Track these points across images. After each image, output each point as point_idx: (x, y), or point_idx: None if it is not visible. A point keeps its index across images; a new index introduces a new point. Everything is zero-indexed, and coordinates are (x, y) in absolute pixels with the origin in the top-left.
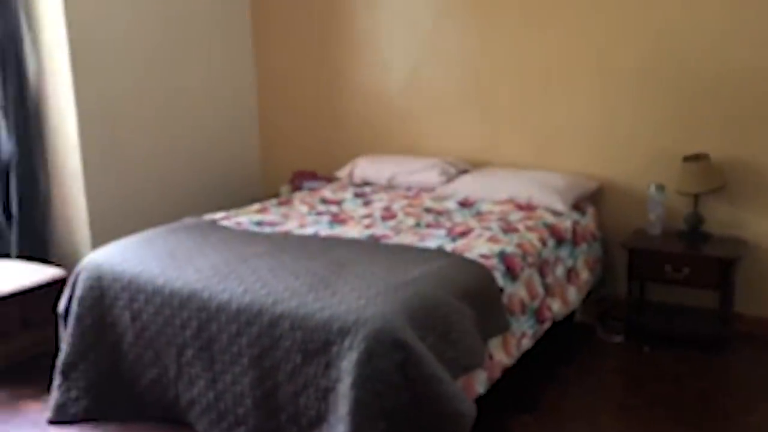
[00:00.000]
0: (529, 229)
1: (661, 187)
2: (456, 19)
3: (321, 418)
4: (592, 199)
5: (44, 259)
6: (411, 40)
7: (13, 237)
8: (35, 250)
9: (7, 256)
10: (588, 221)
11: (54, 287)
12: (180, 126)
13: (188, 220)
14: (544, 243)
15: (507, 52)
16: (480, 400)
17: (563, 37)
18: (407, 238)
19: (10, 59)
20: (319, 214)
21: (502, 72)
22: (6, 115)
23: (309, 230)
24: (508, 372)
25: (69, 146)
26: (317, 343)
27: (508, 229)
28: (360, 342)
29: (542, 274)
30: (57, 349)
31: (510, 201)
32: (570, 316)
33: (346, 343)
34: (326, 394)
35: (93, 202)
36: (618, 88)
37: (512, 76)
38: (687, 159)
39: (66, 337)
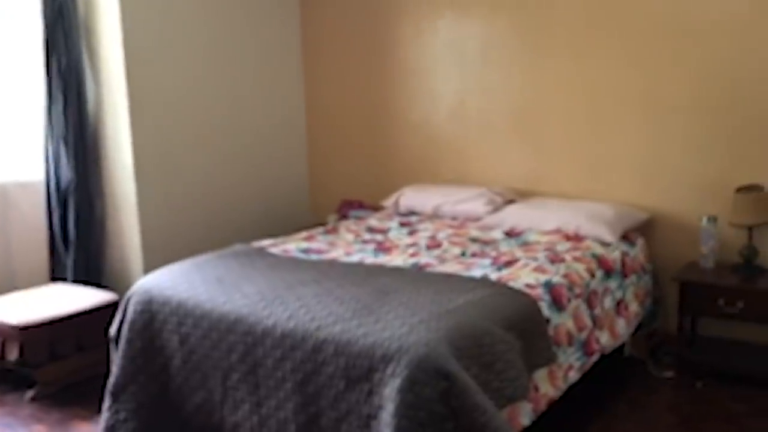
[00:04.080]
0: (576, 259)
1: (713, 219)
2: (503, 50)
3: None
4: (642, 230)
5: (98, 284)
6: (458, 72)
7: (70, 261)
8: (90, 275)
9: (63, 279)
10: (637, 253)
11: (107, 311)
12: (231, 156)
13: (237, 247)
14: (591, 274)
15: (555, 82)
16: None
17: (611, 67)
18: (452, 267)
19: (71, 90)
20: (365, 242)
21: (550, 102)
22: (66, 144)
23: (354, 258)
24: (554, 405)
25: (124, 174)
26: (360, 369)
27: (555, 259)
28: (403, 369)
29: (590, 306)
30: (109, 371)
31: (557, 231)
32: (619, 350)
33: (389, 370)
34: (368, 421)
35: (146, 229)
36: (668, 118)
37: (560, 105)
38: (740, 190)
39: (116, 359)
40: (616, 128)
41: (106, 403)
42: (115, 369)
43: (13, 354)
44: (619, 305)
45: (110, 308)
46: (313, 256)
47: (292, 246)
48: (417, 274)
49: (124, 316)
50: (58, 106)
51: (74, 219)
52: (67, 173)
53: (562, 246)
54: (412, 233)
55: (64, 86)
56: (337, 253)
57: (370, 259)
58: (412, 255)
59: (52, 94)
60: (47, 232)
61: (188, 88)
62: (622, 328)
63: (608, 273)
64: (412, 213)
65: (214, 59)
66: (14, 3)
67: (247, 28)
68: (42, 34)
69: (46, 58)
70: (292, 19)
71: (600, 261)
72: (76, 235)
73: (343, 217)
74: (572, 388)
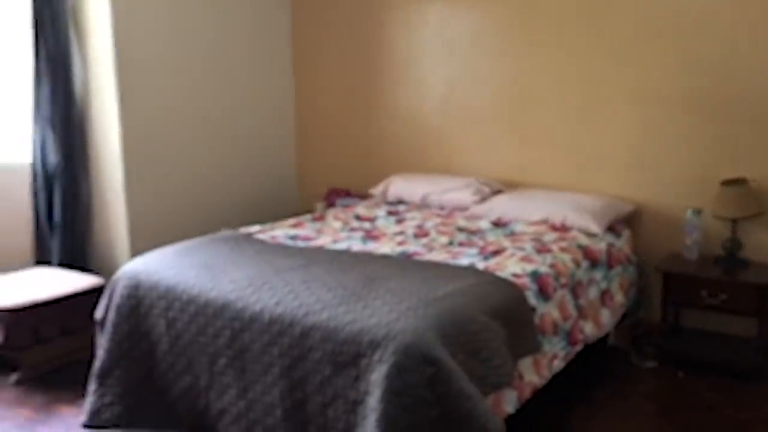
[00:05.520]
0: (562, 250)
1: (698, 211)
2: (493, 41)
3: (349, 430)
4: (628, 221)
5: (84, 268)
6: (448, 61)
7: (55, 245)
8: (76, 259)
9: (48, 263)
10: (623, 244)
11: (93, 295)
12: (219, 142)
13: (224, 233)
14: (577, 264)
15: (543, 74)
16: (509, 420)
17: (601, 59)
18: (439, 256)
19: (59, 73)
20: (353, 230)
21: (538, 94)
22: (53, 127)
23: (342, 245)
24: (538, 393)
25: (112, 158)
26: (347, 355)
27: (542, 249)
28: (390, 355)
29: (575, 296)
30: (94, 355)
31: (544, 222)
32: (603, 340)
33: (376, 356)
34: (355, 406)
35: (133, 213)
36: (655, 111)
37: (548, 97)
38: (725, 183)
39: (102, 343)
40: (604, 120)
41: (92, 386)
42: (100, 353)
43: None
44: (604, 296)
45: (95, 292)
46: (301, 243)
47: (280, 232)
48: (405, 261)
49: (110, 299)
50: (46, 89)
51: (60, 202)
52: (53, 156)
53: (549, 236)
54: (399, 222)
55: (51, 69)
56: (325, 241)
57: (357, 246)
58: (400, 243)
59: (40, 77)
60: (33, 216)
61: (177, 72)
62: (607, 318)
63: (594, 263)
64: (399, 202)
65: (204, 45)
66: None
67: (238, 14)
68: (30, 16)
69: (34, 42)
70: (282, 7)
71: (586, 252)
72: (62, 218)
73: (331, 205)
74: (556, 377)
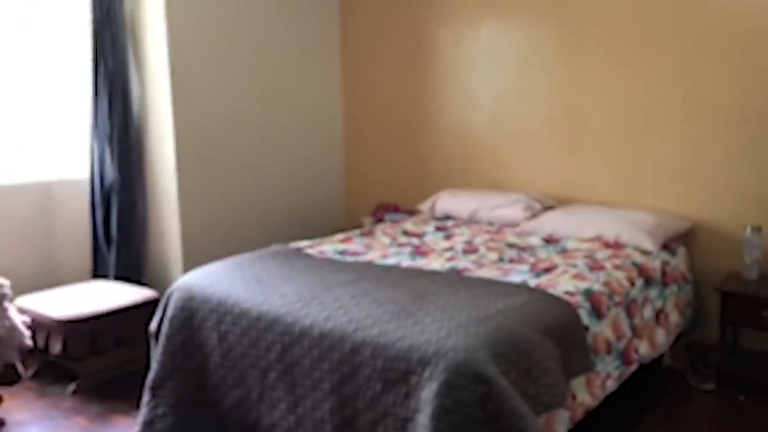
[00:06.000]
0: (616, 267)
1: (757, 229)
2: (542, 56)
3: None
4: (684, 239)
5: (138, 281)
6: (497, 76)
7: (112, 259)
8: (131, 272)
9: (105, 277)
10: (678, 262)
11: (147, 307)
12: (269, 158)
13: (275, 248)
14: (632, 282)
15: (594, 88)
16: None
17: (652, 73)
18: (489, 273)
19: (117, 91)
20: (401, 245)
21: (590, 108)
22: (111, 144)
23: (391, 261)
24: (591, 413)
25: (166, 174)
26: (397, 372)
27: (595, 266)
28: (440, 373)
29: (629, 315)
30: (148, 366)
31: (597, 239)
32: (658, 360)
33: (426, 373)
34: (405, 424)
35: (186, 228)
36: (711, 126)
37: (601, 112)
38: None
39: (156, 355)
40: (658, 135)
41: (145, 397)
42: (154, 364)
43: (56, 347)
44: (659, 315)
45: (150, 305)
46: (350, 258)
47: (329, 247)
48: (455, 278)
49: (164, 312)
50: (104, 107)
51: (117, 217)
52: (111, 172)
53: (602, 254)
54: (448, 237)
55: (110, 87)
56: (374, 256)
57: (406, 262)
58: (449, 259)
59: (99, 95)
60: (90, 230)
61: (229, 90)
62: (662, 338)
63: (648, 282)
64: (448, 217)
65: (255, 62)
66: (64, 6)
67: (288, 31)
68: (90, 36)
69: (94, 60)
70: (331, 23)
71: (640, 270)
72: (119, 233)
73: (379, 220)
74: (609, 398)
